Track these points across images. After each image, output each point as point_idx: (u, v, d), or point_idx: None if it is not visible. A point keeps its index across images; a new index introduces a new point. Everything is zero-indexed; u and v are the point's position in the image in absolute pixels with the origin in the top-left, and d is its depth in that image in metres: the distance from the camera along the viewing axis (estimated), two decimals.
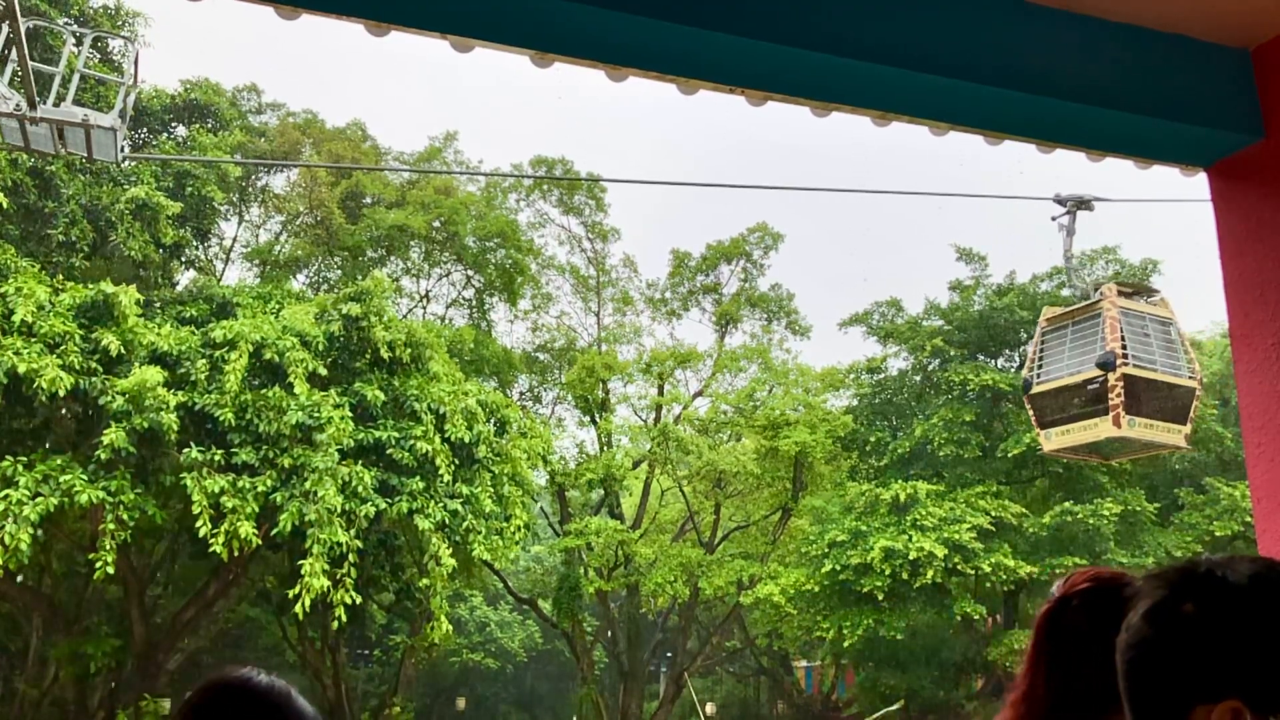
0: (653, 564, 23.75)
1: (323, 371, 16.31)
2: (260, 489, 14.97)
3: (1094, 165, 3.23)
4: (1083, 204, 7.10)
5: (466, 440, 16.97)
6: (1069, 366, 6.70)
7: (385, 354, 17.01)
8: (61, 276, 16.20)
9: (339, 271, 24.38)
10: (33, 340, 14.10)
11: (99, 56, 18.42)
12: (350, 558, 15.31)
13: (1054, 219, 7.24)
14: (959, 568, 19.23)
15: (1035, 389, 6.87)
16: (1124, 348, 6.38)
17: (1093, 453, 6.79)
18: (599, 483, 24.66)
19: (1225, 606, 1.12)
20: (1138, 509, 20.06)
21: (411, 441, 16.18)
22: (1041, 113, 2.85)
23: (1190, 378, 6.60)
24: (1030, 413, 6.98)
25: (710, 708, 29.66)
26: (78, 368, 14.30)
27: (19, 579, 16.19)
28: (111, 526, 14.24)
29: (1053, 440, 6.74)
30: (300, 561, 15.04)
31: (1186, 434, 6.55)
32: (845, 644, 20.69)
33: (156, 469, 15.31)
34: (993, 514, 19.72)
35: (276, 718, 1.41)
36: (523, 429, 19.48)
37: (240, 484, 14.90)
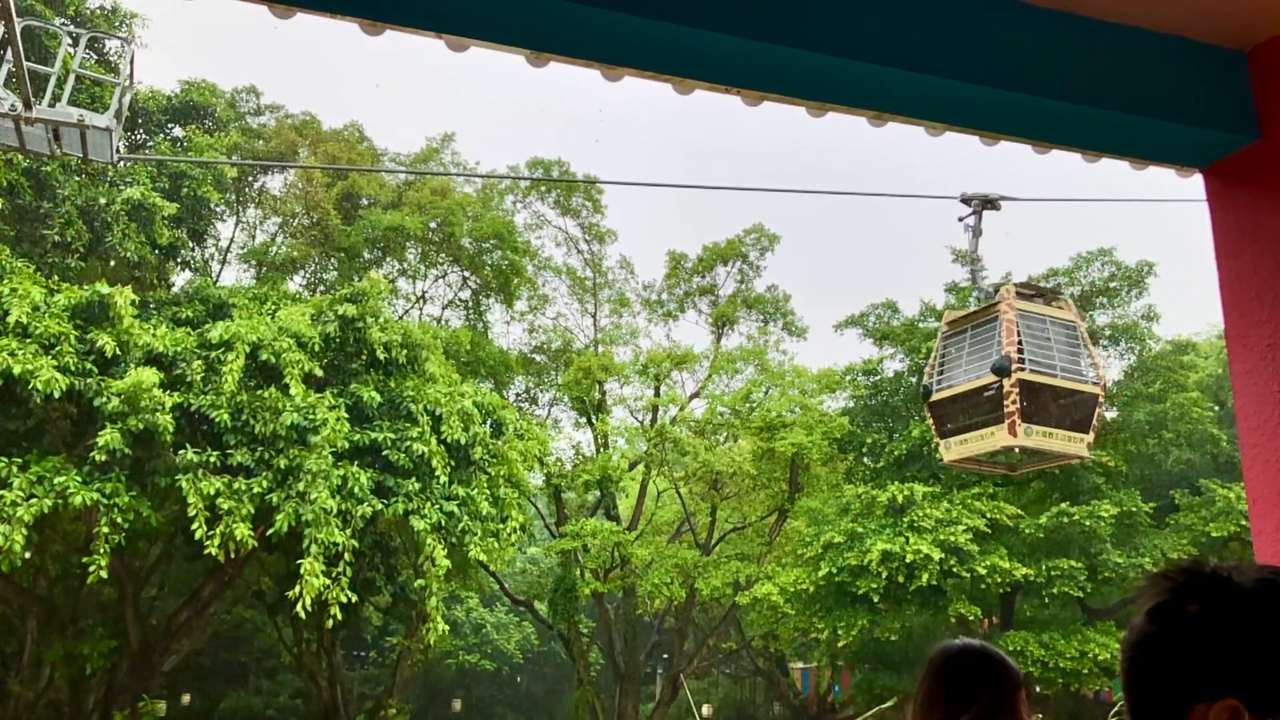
0: (649, 565, 23.72)
1: (318, 373, 16.29)
2: (256, 490, 14.94)
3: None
4: (989, 203, 6.85)
5: (463, 442, 16.95)
6: (967, 372, 6.39)
7: (381, 355, 17.00)
8: (57, 277, 16.16)
9: (335, 273, 24.35)
10: (28, 341, 14.06)
11: (95, 57, 18.40)
12: (345, 557, 15.29)
13: (960, 219, 6.90)
14: (954, 570, 19.22)
15: (935, 396, 6.53)
16: (1020, 352, 6.09)
17: (995, 463, 6.48)
18: (595, 484, 24.63)
19: (1230, 609, 1.12)
20: (1134, 510, 20.07)
21: (407, 443, 16.17)
22: (1037, 113, 2.84)
23: (1093, 384, 6.28)
24: (930, 421, 6.65)
25: (706, 709, 29.62)
26: (73, 369, 14.26)
27: (14, 580, 16.14)
28: (106, 529, 14.19)
29: (951, 450, 6.39)
30: (299, 562, 15.02)
31: (1089, 443, 6.23)
32: (841, 645, 20.68)
33: (152, 470, 15.26)
34: (988, 515, 19.72)
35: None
36: (519, 430, 19.46)
37: (236, 485, 14.87)
